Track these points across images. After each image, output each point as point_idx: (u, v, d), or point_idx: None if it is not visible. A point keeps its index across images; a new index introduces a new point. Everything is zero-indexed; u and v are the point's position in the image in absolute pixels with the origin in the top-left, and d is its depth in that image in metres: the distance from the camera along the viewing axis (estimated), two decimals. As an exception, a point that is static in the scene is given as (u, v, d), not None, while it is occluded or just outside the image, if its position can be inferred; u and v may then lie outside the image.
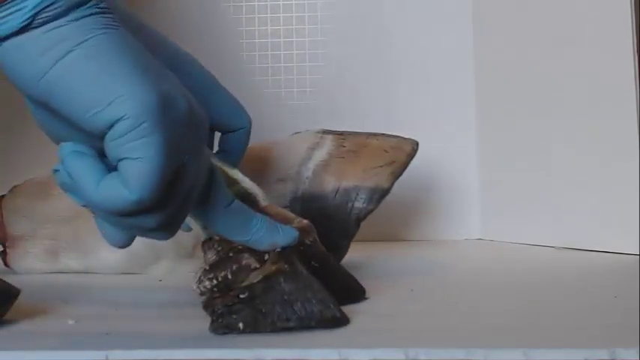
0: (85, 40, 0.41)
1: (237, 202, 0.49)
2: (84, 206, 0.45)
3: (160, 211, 0.43)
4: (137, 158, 0.41)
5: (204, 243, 0.51)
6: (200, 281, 0.50)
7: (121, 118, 0.40)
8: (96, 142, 0.43)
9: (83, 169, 0.42)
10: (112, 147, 0.41)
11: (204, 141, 0.46)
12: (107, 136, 0.41)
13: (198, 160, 0.45)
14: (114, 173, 0.42)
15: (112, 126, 0.41)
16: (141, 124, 0.40)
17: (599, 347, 0.42)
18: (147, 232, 0.45)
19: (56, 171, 0.44)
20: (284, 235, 0.50)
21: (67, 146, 0.43)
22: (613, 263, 0.76)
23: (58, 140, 0.45)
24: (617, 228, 0.80)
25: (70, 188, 0.44)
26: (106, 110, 0.40)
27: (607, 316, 0.53)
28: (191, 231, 0.54)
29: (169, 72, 0.44)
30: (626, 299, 0.57)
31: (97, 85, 0.41)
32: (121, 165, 0.41)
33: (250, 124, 0.56)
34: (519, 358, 0.42)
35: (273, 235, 0.50)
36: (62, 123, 0.43)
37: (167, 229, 0.45)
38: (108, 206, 0.42)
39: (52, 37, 0.41)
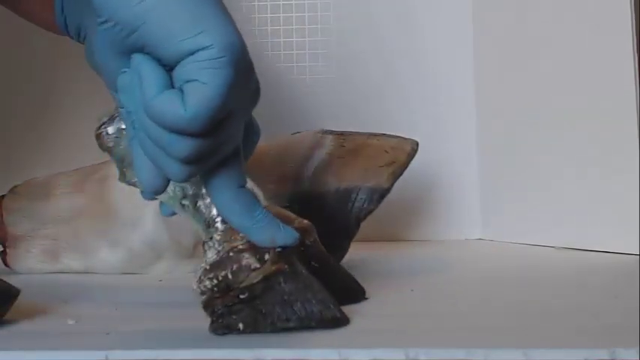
0: None
1: (248, 190, 0.50)
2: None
3: (200, 140, 0.46)
4: (204, 83, 0.44)
5: (204, 243, 0.51)
6: (200, 281, 0.49)
7: (207, 47, 0.44)
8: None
9: (153, 74, 0.46)
10: (185, 69, 0.45)
11: (252, 105, 0.49)
12: (186, 59, 0.45)
13: (242, 119, 0.48)
14: (177, 90, 0.45)
15: (194, 52, 0.45)
16: (221, 56, 0.44)
17: (599, 347, 0.42)
18: (174, 161, 0.46)
19: (124, 72, 0.47)
20: (284, 234, 0.50)
21: (144, 55, 0.46)
22: (613, 263, 0.76)
23: (111, 79, 0.49)
24: (617, 228, 0.80)
25: (128, 90, 0.47)
26: (195, 38, 0.44)
27: (607, 316, 0.53)
28: (175, 215, 0.54)
29: None
30: (626, 299, 0.57)
31: (189, 17, 0.45)
32: (187, 85, 0.45)
33: (259, 136, 0.56)
34: (519, 358, 0.42)
35: (273, 230, 0.50)
36: (123, 59, 0.47)
37: (194, 164, 0.47)
38: (160, 114, 0.45)
39: None
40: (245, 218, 0.49)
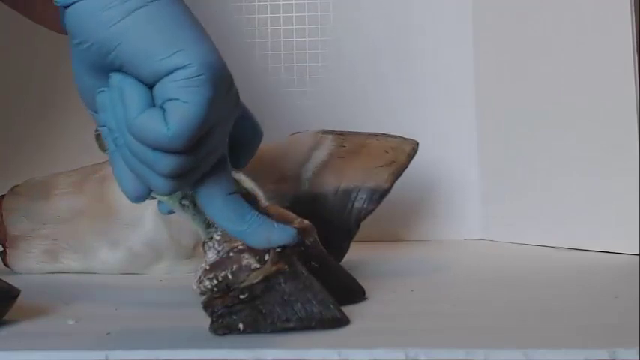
0: (155, 0, 0.46)
1: (239, 195, 0.50)
2: (100, 128, 0.49)
3: (182, 157, 0.46)
4: (185, 102, 0.45)
5: (204, 243, 0.52)
6: (200, 281, 0.50)
7: (185, 65, 0.45)
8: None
9: (136, 92, 0.46)
10: (164, 88, 0.46)
11: (233, 116, 0.50)
12: (164, 78, 0.46)
13: (224, 130, 0.49)
14: (158, 108, 0.46)
15: (172, 72, 0.45)
16: (200, 74, 0.45)
17: (599, 347, 0.42)
18: (157, 176, 0.47)
19: (101, 91, 0.48)
20: (280, 233, 0.50)
21: (123, 74, 0.47)
22: (613, 263, 0.76)
23: (90, 97, 0.49)
24: (617, 228, 0.80)
25: (108, 108, 0.48)
26: (172, 57, 0.45)
27: (607, 316, 0.53)
28: (172, 214, 0.54)
29: None
30: (626, 299, 0.57)
31: (166, 36, 0.46)
32: (168, 104, 0.45)
33: (261, 138, 0.56)
34: (519, 358, 0.42)
35: (268, 230, 0.50)
36: (101, 79, 0.48)
37: (177, 179, 0.47)
38: (142, 133, 0.46)
39: None
40: (237, 224, 0.49)
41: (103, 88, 0.48)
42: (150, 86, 0.46)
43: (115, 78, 0.47)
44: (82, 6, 0.46)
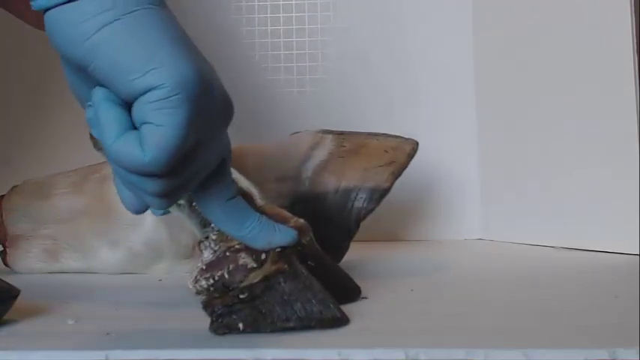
0: (133, 12, 0.44)
1: (239, 198, 0.50)
2: (99, 150, 0.49)
3: (165, 179, 0.45)
4: (159, 125, 0.43)
5: (200, 242, 0.51)
6: (196, 280, 0.49)
7: (158, 86, 0.43)
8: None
9: (111, 117, 0.44)
10: (140, 110, 0.43)
11: (224, 127, 0.48)
12: (139, 99, 0.43)
13: (215, 145, 0.47)
14: (135, 132, 0.44)
15: (146, 92, 0.43)
16: (174, 95, 0.43)
17: (599, 347, 0.42)
18: (146, 194, 0.46)
19: (89, 106, 0.46)
20: (281, 235, 0.50)
21: (103, 91, 0.45)
22: (613, 263, 0.76)
23: (83, 102, 0.48)
24: (617, 228, 0.80)
25: (95, 125, 0.46)
26: (145, 77, 0.43)
27: (607, 316, 0.53)
28: (166, 214, 0.54)
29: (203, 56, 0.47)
30: (626, 299, 0.57)
31: (140, 53, 0.43)
32: (144, 128, 0.43)
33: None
34: (519, 358, 0.42)
35: (269, 234, 0.50)
36: (89, 86, 0.46)
37: (165, 198, 0.46)
38: (120, 159, 0.44)
39: (100, 5, 0.43)
40: (239, 229, 0.49)
41: (90, 103, 0.46)
42: (130, 103, 0.44)
43: (95, 97, 0.45)
44: (56, 15, 0.44)
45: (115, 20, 0.43)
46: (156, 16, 0.44)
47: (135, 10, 0.44)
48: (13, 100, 1.03)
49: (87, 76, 0.45)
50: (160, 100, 0.43)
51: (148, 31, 0.44)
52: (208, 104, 0.45)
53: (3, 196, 0.80)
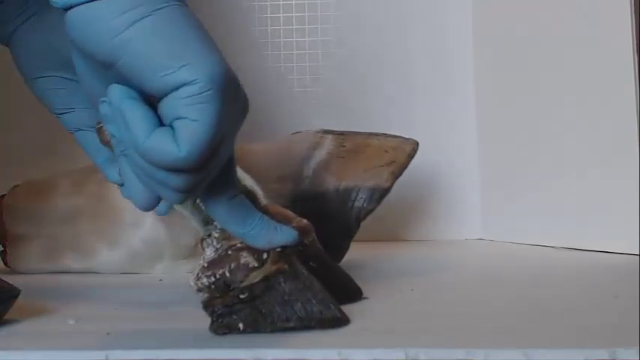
0: (161, 8, 0.44)
1: (242, 197, 0.50)
2: (106, 143, 0.49)
3: (192, 174, 0.45)
4: (194, 120, 0.43)
5: (202, 240, 0.51)
6: (198, 278, 0.49)
7: (192, 81, 0.43)
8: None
9: (138, 115, 0.44)
10: (171, 106, 0.44)
11: (243, 117, 0.48)
12: (170, 95, 0.44)
13: (233, 139, 0.47)
14: (166, 128, 0.44)
15: (178, 88, 0.43)
16: (207, 90, 0.43)
17: (599, 347, 0.42)
18: (169, 190, 0.46)
19: (103, 101, 0.46)
20: (282, 235, 0.50)
21: (122, 89, 0.45)
22: (613, 263, 0.76)
23: (96, 97, 0.47)
24: (617, 228, 0.80)
25: (112, 120, 0.46)
26: (177, 72, 0.43)
27: (607, 316, 0.53)
28: (172, 210, 0.54)
29: None
30: (626, 299, 0.57)
31: (170, 49, 0.43)
32: (177, 123, 0.44)
33: None
34: (519, 358, 0.42)
35: (270, 233, 0.50)
36: (105, 82, 0.46)
37: (187, 193, 0.47)
38: (154, 156, 0.44)
39: (130, 2, 0.44)
40: (240, 227, 0.49)
41: (104, 99, 0.46)
42: (154, 97, 0.45)
43: (114, 95, 0.45)
44: (82, 12, 0.44)
45: (145, 17, 0.44)
46: (182, 13, 0.45)
47: (163, 7, 0.44)
48: (14, 100, 1.03)
49: (105, 73, 0.46)
50: (193, 95, 0.43)
51: (176, 27, 0.44)
52: (236, 99, 0.46)
53: (3, 196, 0.80)
